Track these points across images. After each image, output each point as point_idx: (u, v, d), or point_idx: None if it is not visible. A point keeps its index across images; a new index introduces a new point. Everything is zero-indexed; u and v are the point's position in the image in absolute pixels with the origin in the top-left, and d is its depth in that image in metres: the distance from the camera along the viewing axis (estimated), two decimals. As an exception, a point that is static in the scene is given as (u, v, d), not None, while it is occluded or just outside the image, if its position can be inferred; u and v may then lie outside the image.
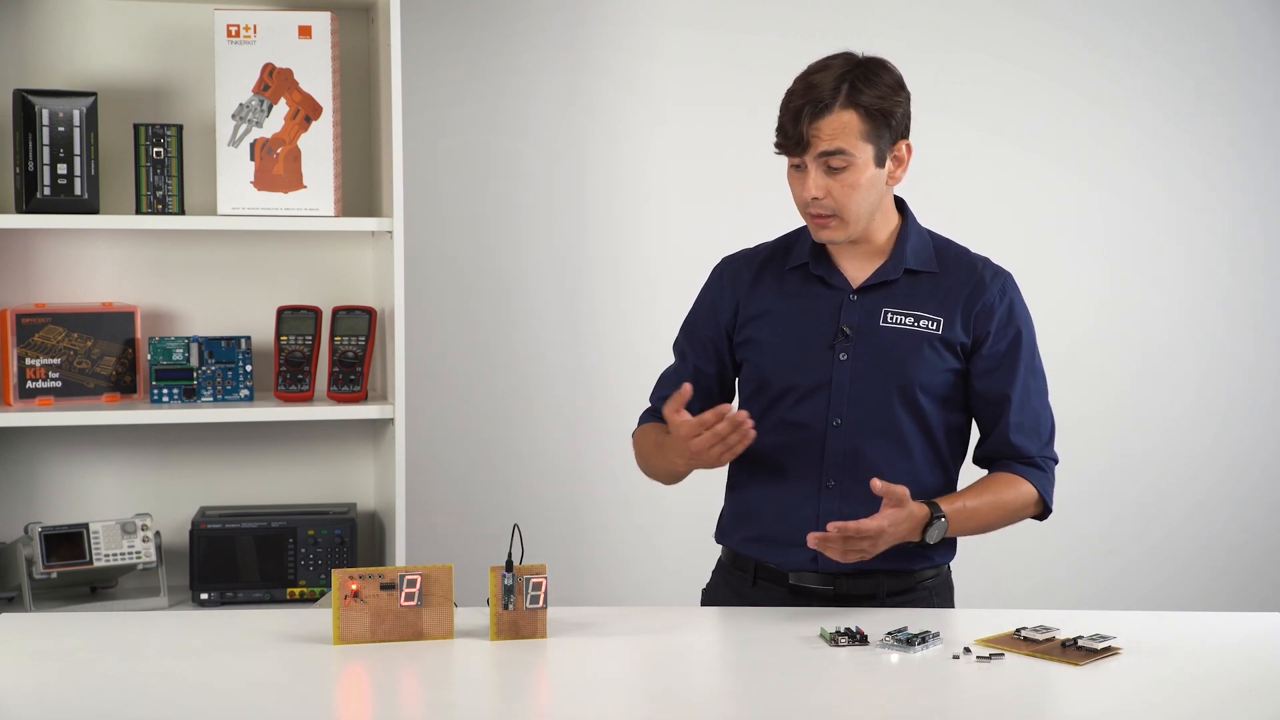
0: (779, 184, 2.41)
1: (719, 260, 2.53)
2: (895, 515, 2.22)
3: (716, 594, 2.50)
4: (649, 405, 2.54)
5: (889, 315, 2.36)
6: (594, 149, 3.53)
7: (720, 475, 2.50)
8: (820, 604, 2.35)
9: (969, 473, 2.45)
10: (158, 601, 3.00)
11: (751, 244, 2.53)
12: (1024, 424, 2.38)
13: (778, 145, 2.32)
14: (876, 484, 2.20)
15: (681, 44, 3.56)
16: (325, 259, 3.25)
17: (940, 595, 2.43)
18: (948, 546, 2.42)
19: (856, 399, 2.35)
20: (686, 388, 2.28)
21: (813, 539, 2.20)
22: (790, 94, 2.31)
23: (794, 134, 2.28)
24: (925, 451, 2.38)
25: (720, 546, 2.52)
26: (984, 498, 2.35)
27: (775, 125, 2.32)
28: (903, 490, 2.22)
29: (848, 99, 2.27)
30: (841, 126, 2.27)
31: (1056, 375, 2.47)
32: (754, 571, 2.42)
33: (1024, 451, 2.39)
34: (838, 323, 2.36)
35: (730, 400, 2.50)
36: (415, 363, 3.25)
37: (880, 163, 2.31)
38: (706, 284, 2.52)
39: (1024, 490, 2.38)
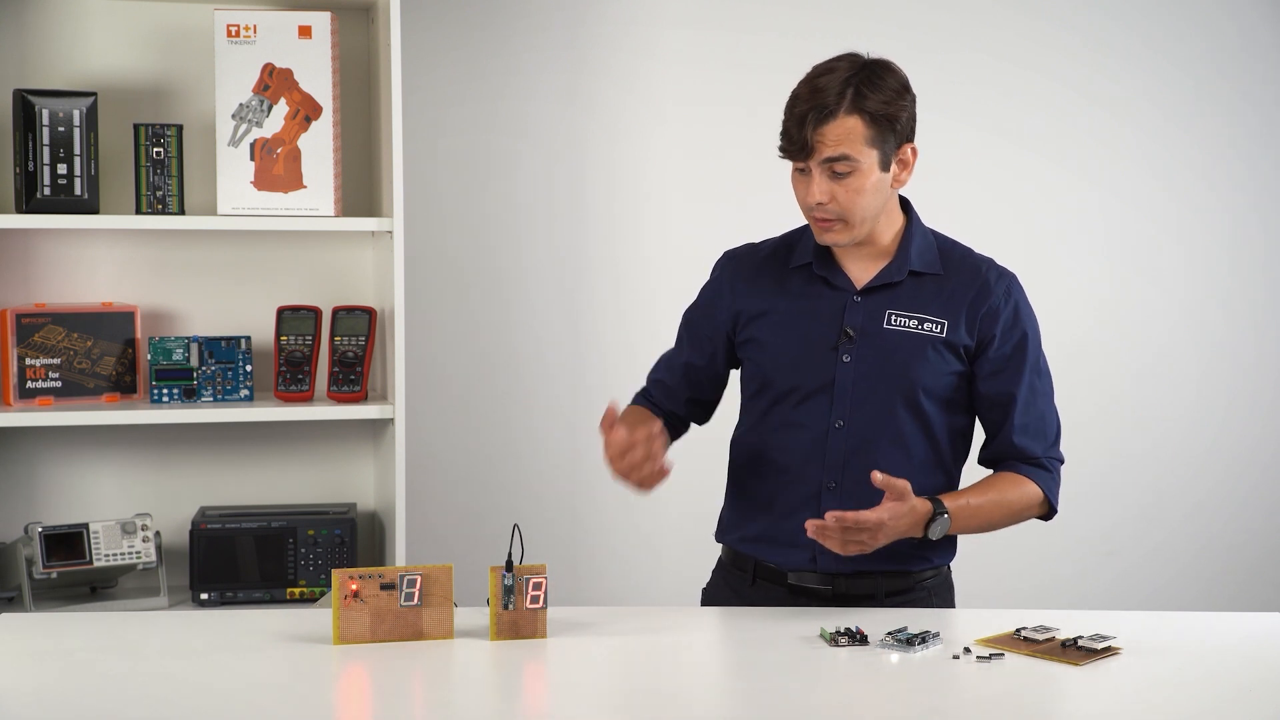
0: (780, 184, 2.41)
1: (721, 254, 2.52)
2: (896, 509, 2.21)
3: (716, 593, 2.50)
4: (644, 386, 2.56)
5: (892, 317, 2.35)
6: (594, 149, 3.53)
7: (720, 475, 2.51)
8: (819, 604, 2.35)
9: (973, 474, 2.45)
10: (158, 601, 3.00)
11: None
12: (1029, 425, 2.38)
13: (782, 150, 2.30)
14: (877, 476, 2.20)
15: (681, 44, 3.55)
16: (325, 259, 3.25)
17: (939, 595, 2.43)
18: (947, 547, 2.42)
19: (859, 401, 2.34)
20: (611, 409, 2.26)
21: (811, 526, 2.20)
22: (794, 98, 2.28)
23: (798, 139, 2.26)
24: (927, 454, 2.37)
25: (720, 546, 2.52)
26: (988, 496, 2.34)
27: (779, 128, 2.30)
28: (904, 484, 2.21)
29: (852, 104, 2.25)
30: (846, 132, 2.25)
31: (1056, 376, 2.46)
32: (753, 571, 2.42)
33: (1029, 453, 2.38)
34: (841, 324, 2.36)
35: (720, 393, 2.52)
36: (415, 363, 3.25)
37: (885, 167, 2.30)
38: (709, 279, 2.51)
39: (1028, 490, 2.37)
